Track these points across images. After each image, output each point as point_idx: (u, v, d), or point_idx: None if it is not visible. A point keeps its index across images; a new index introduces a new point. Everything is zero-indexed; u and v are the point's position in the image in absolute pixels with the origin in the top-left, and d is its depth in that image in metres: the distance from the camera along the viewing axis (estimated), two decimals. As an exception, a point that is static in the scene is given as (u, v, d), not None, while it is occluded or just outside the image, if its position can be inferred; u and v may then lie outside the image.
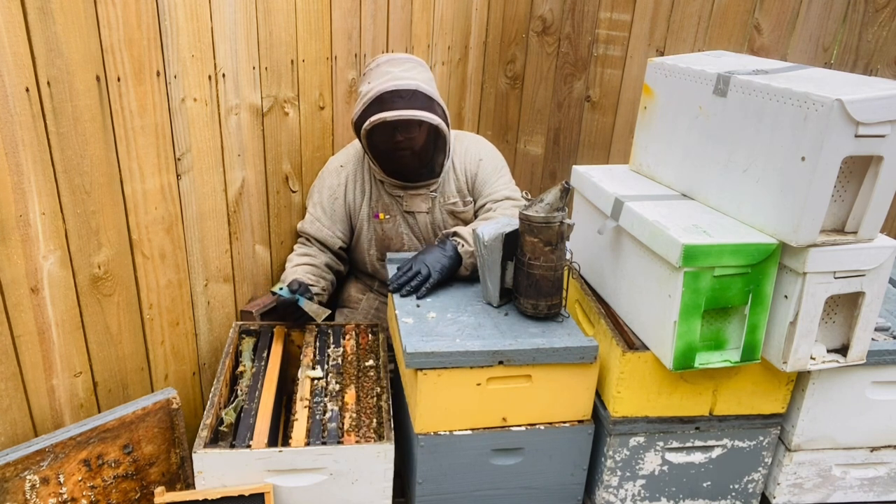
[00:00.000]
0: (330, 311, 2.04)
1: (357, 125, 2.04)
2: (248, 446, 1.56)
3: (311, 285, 2.05)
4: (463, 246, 1.95)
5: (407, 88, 1.97)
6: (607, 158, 3.05)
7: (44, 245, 1.48)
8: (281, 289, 1.94)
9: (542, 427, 1.69)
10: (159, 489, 1.51)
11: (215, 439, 1.61)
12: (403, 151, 2.05)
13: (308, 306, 1.95)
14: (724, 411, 1.72)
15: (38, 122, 1.41)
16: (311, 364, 1.91)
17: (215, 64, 1.81)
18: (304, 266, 2.13)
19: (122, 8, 1.52)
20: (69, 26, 1.42)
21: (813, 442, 1.76)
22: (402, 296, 1.87)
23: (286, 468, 1.56)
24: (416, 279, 1.87)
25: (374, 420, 1.71)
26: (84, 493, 1.57)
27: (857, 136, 1.35)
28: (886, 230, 1.94)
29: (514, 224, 1.77)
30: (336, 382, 1.84)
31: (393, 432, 1.65)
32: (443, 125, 2.01)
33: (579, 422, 1.71)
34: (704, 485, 1.80)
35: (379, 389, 1.82)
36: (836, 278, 1.49)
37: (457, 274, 1.96)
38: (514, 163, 3.32)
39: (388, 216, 2.21)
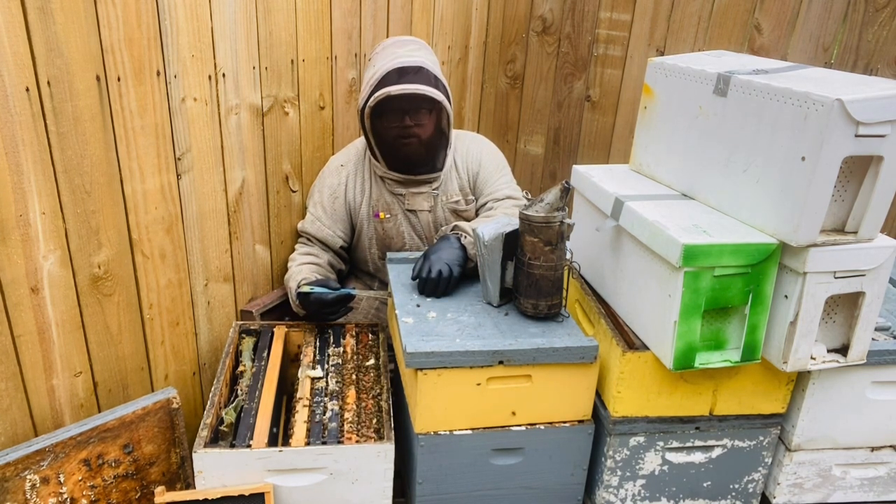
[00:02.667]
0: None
1: (362, 109, 2.02)
2: (248, 446, 1.56)
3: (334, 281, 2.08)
4: (466, 237, 1.95)
5: (413, 65, 1.97)
6: (607, 158, 3.05)
7: (44, 245, 1.48)
8: (314, 289, 1.94)
9: (542, 427, 1.69)
10: (159, 489, 1.51)
11: (215, 439, 1.61)
12: (411, 139, 2.03)
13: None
14: (725, 411, 1.72)
15: (38, 122, 1.41)
16: (311, 364, 1.91)
17: (215, 64, 1.82)
18: (308, 265, 2.13)
19: (122, 8, 1.52)
20: (69, 26, 1.42)
21: (813, 442, 1.76)
22: (437, 297, 1.87)
23: (286, 468, 1.56)
24: (441, 281, 1.85)
25: (374, 420, 1.71)
26: (84, 493, 1.57)
27: (857, 135, 1.35)
28: (886, 230, 1.94)
29: (514, 224, 1.77)
30: (336, 382, 1.84)
31: (393, 432, 1.65)
32: (447, 104, 2.01)
33: (579, 422, 1.71)
34: (704, 485, 1.80)
35: (379, 389, 1.82)
36: (836, 278, 1.49)
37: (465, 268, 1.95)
38: (514, 163, 3.32)
39: (388, 215, 2.21)
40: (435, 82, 1.99)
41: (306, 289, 1.96)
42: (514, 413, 1.67)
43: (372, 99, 1.95)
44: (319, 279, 2.03)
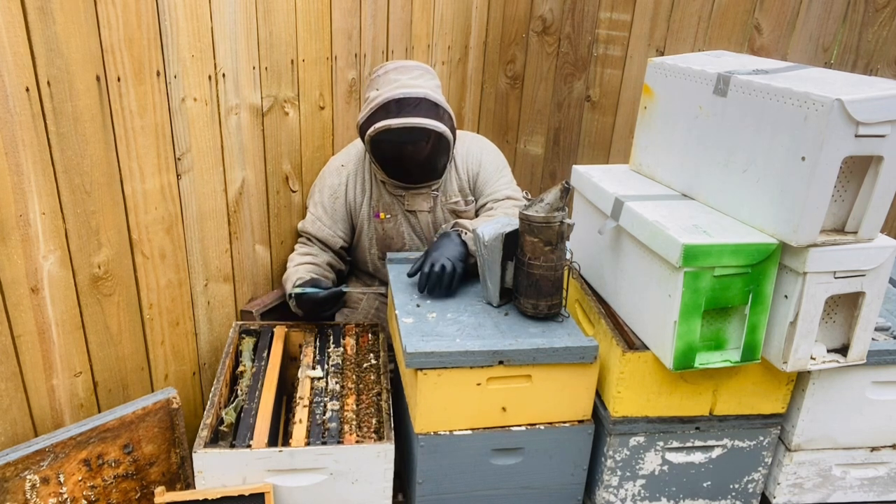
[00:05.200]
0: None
1: (362, 130, 2.03)
2: (248, 446, 1.56)
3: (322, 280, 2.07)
4: (466, 233, 1.95)
5: (414, 96, 1.97)
6: (607, 158, 3.05)
7: (44, 245, 1.48)
8: (305, 290, 1.95)
9: (542, 427, 1.69)
10: (159, 489, 1.51)
11: (215, 439, 1.61)
12: (408, 161, 2.05)
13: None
14: (725, 411, 1.72)
15: (38, 122, 1.41)
16: (311, 364, 1.91)
17: (215, 64, 1.81)
18: (306, 265, 2.13)
19: (122, 8, 1.52)
20: (69, 26, 1.42)
21: (813, 442, 1.76)
22: (440, 295, 1.86)
23: (286, 468, 1.56)
24: (445, 276, 1.84)
25: (374, 420, 1.71)
26: (84, 493, 1.57)
27: (857, 136, 1.35)
28: (886, 230, 1.94)
29: (514, 224, 1.77)
30: (336, 382, 1.84)
31: (393, 432, 1.65)
32: (448, 133, 2.01)
33: (579, 422, 1.71)
34: (704, 485, 1.80)
35: (379, 389, 1.82)
36: (836, 278, 1.49)
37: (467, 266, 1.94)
38: (514, 163, 3.32)
39: (388, 215, 2.21)
40: (436, 111, 1.99)
41: (297, 290, 1.97)
42: (512, 414, 1.66)
43: (372, 129, 1.96)
44: (313, 278, 2.04)
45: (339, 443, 1.61)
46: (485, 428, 1.66)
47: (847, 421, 1.74)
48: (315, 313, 2.02)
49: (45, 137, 1.43)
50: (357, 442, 1.62)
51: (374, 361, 1.95)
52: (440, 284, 1.84)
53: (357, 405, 1.75)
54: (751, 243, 1.48)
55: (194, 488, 1.55)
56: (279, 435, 1.88)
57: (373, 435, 1.65)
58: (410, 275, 1.89)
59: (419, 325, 1.71)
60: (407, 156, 2.04)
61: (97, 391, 1.69)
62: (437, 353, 1.57)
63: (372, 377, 1.88)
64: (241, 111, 1.95)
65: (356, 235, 2.27)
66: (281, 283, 2.24)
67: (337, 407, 1.73)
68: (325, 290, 1.96)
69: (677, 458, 1.76)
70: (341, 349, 1.99)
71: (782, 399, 1.72)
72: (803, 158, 1.39)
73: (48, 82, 1.41)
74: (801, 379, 1.70)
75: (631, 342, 1.68)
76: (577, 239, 2.02)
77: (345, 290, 2.01)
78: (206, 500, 1.52)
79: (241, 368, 1.87)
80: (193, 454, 1.52)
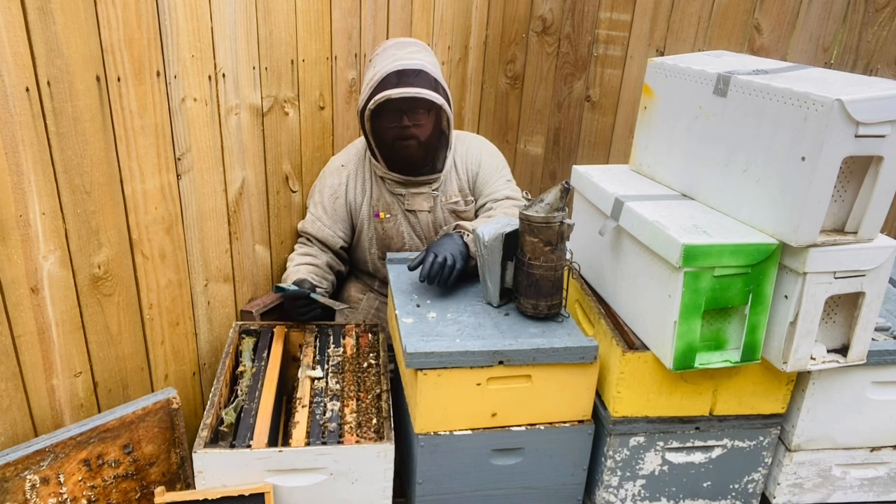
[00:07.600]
0: (346, 305, 2.11)
1: (362, 111, 2.03)
2: (248, 446, 1.56)
3: (315, 286, 2.06)
4: (468, 235, 1.95)
5: (412, 68, 1.97)
6: (607, 158, 3.05)
7: (44, 245, 1.48)
8: (287, 287, 1.95)
9: (542, 427, 1.69)
10: (159, 489, 1.51)
11: (215, 439, 1.61)
12: (409, 140, 2.04)
13: (322, 299, 2.00)
14: (725, 411, 1.72)
15: (38, 122, 1.41)
16: (311, 364, 1.91)
17: (215, 64, 1.82)
18: (305, 266, 2.13)
19: (122, 8, 1.52)
20: (69, 26, 1.42)
21: (813, 442, 1.76)
22: (439, 285, 1.86)
23: (286, 468, 1.56)
24: (446, 268, 1.83)
25: (374, 420, 1.71)
26: (84, 493, 1.57)
27: (857, 136, 1.35)
28: (886, 230, 1.94)
29: (514, 224, 1.77)
30: (336, 382, 1.84)
31: (393, 432, 1.65)
32: (446, 107, 2.02)
33: (579, 422, 1.71)
34: (704, 485, 1.80)
35: (379, 389, 1.82)
36: (836, 278, 1.49)
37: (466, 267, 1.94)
38: (514, 163, 3.32)
39: (388, 215, 2.21)
40: (435, 85, 2.00)
41: (278, 285, 1.98)
42: (512, 414, 1.66)
43: (372, 102, 1.96)
44: (298, 279, 2.03)
45: (338, 443, 1.61)
46: (485, 428, 1.66)
47: (847, 421, 1.74)
48: (293, 310, 2.01)
49: (45, 137, 1.43)
50: (357, 442, 1.62)
51: (374, 361, 1.95)
52: (441, 275, 1.83)
53: (357, 405, 1.76)
54: (751, 243, 1.48)
55: (194, 488, 1.55)
56: (279, 435, 1.88)
57: (373, 435, 1.65)
58: (411, 268, 1.87)
59: (419, 325, 1.71)
60: (409, 136, 2.03)
61: (97, 391, 1.69)
62: (437, 353, 1.57)
63: (372, 377, 1.88)
64: (241, 111, 1.95)
65: (356, 235, 2.27)
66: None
67: (337, 407, 1.73)
68: (294, 288, 1.96)
69: (677, 458, 1.76)
70: (341, 349, 1.99)
71: (782, 399, 1.72)
72: (803, 158, 1.39)
73: (48, 82, 1.41)
74: (801, 379, 1.70)
75: (631, 342, 1.68)
76: (577, 239, 2.02)
77: (312, 296, 1.97)
78: (206, 500, 1.52)
79: (241, 368, 1.87)
80: (193, 454, 1.52)
